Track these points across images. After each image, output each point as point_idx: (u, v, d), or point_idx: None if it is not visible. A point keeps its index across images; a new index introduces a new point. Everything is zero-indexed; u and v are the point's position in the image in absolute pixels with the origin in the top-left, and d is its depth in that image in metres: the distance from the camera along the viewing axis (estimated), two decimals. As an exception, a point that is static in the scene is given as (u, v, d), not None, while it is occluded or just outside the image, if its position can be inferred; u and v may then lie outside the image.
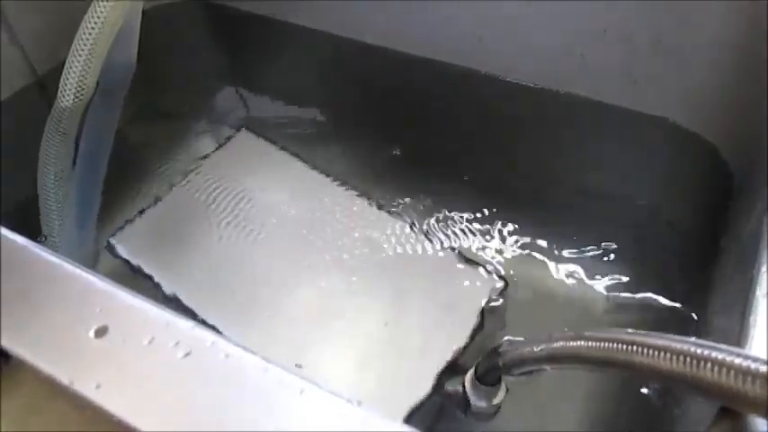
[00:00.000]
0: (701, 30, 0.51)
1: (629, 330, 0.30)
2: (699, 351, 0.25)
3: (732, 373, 0.24)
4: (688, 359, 0.26)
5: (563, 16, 0.56)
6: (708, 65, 0.53)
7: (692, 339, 0.27)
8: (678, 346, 0.26)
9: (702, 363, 0.25)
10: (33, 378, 0.38)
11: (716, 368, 0.24)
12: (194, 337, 0.29)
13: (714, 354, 0.25)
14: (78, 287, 0.31)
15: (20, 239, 0.33)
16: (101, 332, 0.29)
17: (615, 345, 0.29)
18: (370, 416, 0.26)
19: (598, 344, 0.31)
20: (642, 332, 0.29)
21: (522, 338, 0.40)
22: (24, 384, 0.38)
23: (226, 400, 0.27)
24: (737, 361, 0.24)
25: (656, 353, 0.27)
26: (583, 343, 0.32)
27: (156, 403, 0.27)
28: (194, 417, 0.26)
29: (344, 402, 0.26)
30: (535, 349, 0.37)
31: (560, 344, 0.34)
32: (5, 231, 0.33)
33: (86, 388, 0.27)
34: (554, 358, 0.35)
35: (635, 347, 0.28)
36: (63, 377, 0.28)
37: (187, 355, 0.28)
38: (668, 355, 0.26)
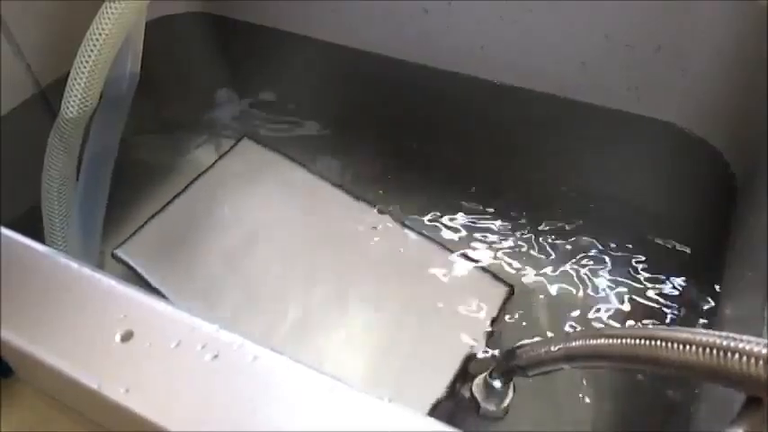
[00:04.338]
0: (702, 35, 0.52)
1: (650, 326, 0.31)
2: (725, 342, 0.26)
3: (761, 362, 0.24)
4: (714, 350, 0.26)
5: (565, 23, 0.57)
6: (710, 69, 0.54)
7: (716, 332, 0.27)
8: (703, 338, 0.27)
9: (730, 353, 0.25)
10: (33, 392, 0.38)
11: (743, 358, 0.25)
12: (221, 339, 0.29)
13: (741, 344, 0.25)
14: (102, 292, 0.31)
15: (40, 247, 0.33)
16: (126, 337, 0.29)
17: (637, 340, 0.30)
18: (400, 412, 0.26)
19: (619, 340, 0.31)
20: (663, 326, 0.30)
21: (535, 340, 0.40)
22: (24, 399, 0.38)
23: (256, 400, 0.27)
24: (765, 351, 0.24)
25: (681, 346, 0.27)
26: (603, 340, 0.32)
27: (186, 405, 0.27)
28: (224, 418, 0.27)
29: (374, 399, 0.26)
30: (552, 349, 0.37)
31: (579, 342, 0.34)
32: (26, 239, 0.33)
33: (115, 392, 0.27)
34: (573, 357, 0.35)
35: (658, 342, 0.28)
36: (91, 382, 0.28)
37: (215, 357, 0.28)
38: (693, 347, 0.27)
